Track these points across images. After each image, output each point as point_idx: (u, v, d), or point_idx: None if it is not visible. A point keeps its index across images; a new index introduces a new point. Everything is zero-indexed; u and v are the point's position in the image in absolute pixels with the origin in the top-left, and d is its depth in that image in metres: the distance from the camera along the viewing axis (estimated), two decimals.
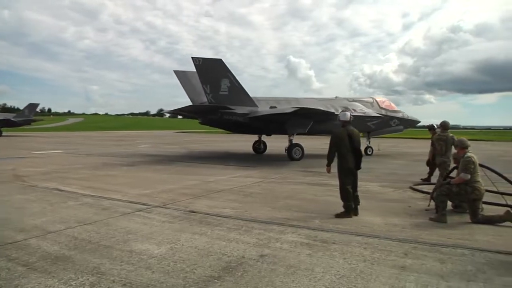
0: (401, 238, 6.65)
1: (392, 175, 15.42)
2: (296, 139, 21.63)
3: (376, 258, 5.66)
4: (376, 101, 26.62)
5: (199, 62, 20.49)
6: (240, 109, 20.93)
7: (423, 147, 30.66)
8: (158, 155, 23.38)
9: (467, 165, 8.01)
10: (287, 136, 21.86)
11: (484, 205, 8.41)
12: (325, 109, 21.83)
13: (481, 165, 10.71)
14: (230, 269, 5.11)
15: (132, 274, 4.88)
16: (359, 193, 8.58)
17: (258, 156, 23.99)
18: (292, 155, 21.06)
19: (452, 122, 12.58)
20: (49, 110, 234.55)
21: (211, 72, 20.77)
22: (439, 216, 7.92)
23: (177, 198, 9.87)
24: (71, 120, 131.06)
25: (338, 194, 8.49)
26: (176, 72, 24.94)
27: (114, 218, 7.74)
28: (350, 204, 8.22)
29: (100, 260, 5.37)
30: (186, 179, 13.31)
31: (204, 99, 22.39)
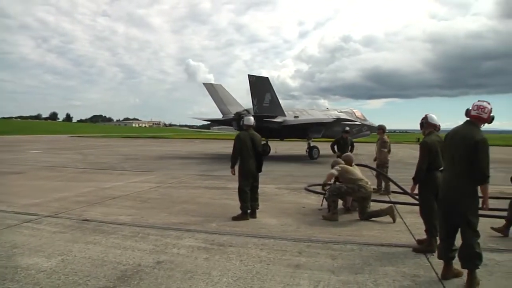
0: (295, 238, 6.92)
1: (288, 177, 15.97)
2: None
3: (272, 258, 5.84)
4: (353, 111, 32.67)
5: (253, 79, 24.11)
6: (277, 118, 25.14)
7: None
8: (51, 161, 21.93)
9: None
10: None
11: (372, 203, 9.08)
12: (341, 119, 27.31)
13: (367, 166, 11.54)
14: (126, 278, 4.98)
15: None
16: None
17: (156, 161, 23.53)
18: (313, 155, 25.73)
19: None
20: None
21: (259, 87, 24.34)
22: (330, 215, 8.36)
23: (70, 206, 9.37)
24: None
25: (235, 197, 8.66)
26: (205, 84, 30.02)
27: None
28: (247, 205, 8.41)
29: None
30: (81, 186, 12.67)
31: (231, 109, 28.16)
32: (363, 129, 31.98)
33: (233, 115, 26.92)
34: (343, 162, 9.39)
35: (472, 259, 4.80)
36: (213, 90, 29.81)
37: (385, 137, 12.51)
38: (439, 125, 6.55)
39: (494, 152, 30.86)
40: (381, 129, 12.84)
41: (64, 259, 5.66)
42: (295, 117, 27.16)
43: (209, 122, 36.89)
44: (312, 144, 26.52)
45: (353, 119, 30.22)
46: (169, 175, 15.89)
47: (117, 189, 12.12)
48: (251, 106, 24.74)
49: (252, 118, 8.92)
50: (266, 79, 24.97)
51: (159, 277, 5.02)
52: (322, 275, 5.16)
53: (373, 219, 8.34)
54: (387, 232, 7.44)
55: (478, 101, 4.99)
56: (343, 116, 30.55)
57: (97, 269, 5.29)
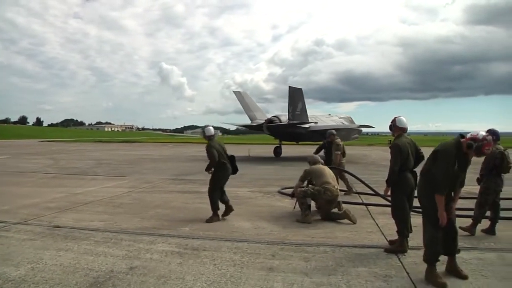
0: (269, 241, 6.95)
1: (262, 180, 16.01)
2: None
3: (245, 261, 5.85)
4: (349, 117, 38.15)
5: (292, 90, 26.92)
6: (305, 125, 27.99)
7: (292, 152, 32.39)
8: (20, 166, 21.38)
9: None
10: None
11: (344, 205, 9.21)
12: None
13: (340, 169, 11.67)
14: (98, 285, 4.92)
15: None
16: (230, 200, 8.98)
17: (129, 165, 23.22)
18: None
19: None
20: None
21: (295, 97, 27.13)
22: (303, 217, 8.49)
23: (40, 213, 9.16)
24: None
25: (208, 201, 8.66)
26: (234, 92, 33.91)
27: None
28: (218, 204, 8.65)
29: None
30: (52, 191, 12.41)
31: (256, 115, 32.61)
32: (356, 132, 36.60)
33: (263, 121, 30.14)
34: (320, 159, 9.73)
35: (425, 253, 5.21)
36: (241, 97, 33.51)
37: (337, 140, 12.82)
38: (407, 127, 6.69)
39: None
40: (331, 134, 13.24)
41: (34, 267, 5.53)
42: (314, 123, 29.90)
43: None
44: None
45: (349, 124, 35.16)
46: (142, 180, 15.75)
47: (89, 195, 11.93)
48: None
49: (212, 128, 9.10)
50: (300, 90, 27.73)
51: (132, 283, 4.98)
52: (296, 278, 5.21)
53: (344, 221, 8.44)
54: (360, 233, 7.55)
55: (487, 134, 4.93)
56: (343, 121, 35.66)
57: (68, 276, 5.21)
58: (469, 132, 5.03)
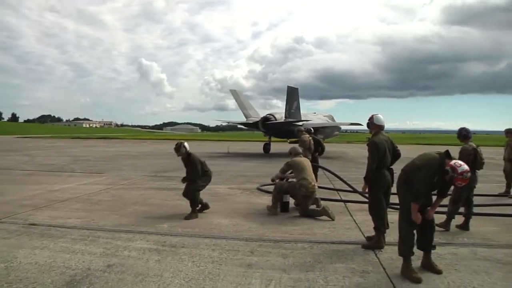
0: (247, 238, 6.98)
1: (241, 177, 16.03)
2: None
3: (224, 258, 5.87)
4: (331, 115, 40.88)
5: (290, 90, 28.61)
6: (298, 123, 28.46)
7: (272, 149, 32.43)
8: None
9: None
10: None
11: (323, 201, 9.31)
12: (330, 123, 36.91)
13: (319, 166, 11.75)
14: (75, 283, 4.86)
15: None
16: (209, 197, 9.24)
17: (107, 162, 22.96)
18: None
19: None
20: None
21: (292, 96, 28.87)
22: (271, 208, 8.90)
23: (15, 210, 8.99)
24: None
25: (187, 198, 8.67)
26: (231, 90, 35.96)
27: None
28: (198, 203, 8.78)
29: None
30: (27, 189, 12.18)
31: (250, 113, 34.36)
32: (337, 130, 39.57)
33: (258, 119, 31.04)
34: (300, 150, 9.86)
35: (399, 246, 5.38)
36: (237, 96, 35.48)
37: (303, 136, 12.85)
38: (384, 125, 6.74)
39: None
40: (299, 131, 13.30)
41: (8, 266, 5.43)
42: (306, 121, 30.83)
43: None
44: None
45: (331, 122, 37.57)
46: (120, 177, 15.59)
47: (66, 192, 11.76)
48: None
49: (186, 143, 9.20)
50: (296, 90, 29.55)
51: (109, 281, 4.95)
52: (274, 274, 5.24)
53: (322, 218, 8.50)
54: (338, 230, 7.63)
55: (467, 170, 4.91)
56: (326, 119, 37.86)
57: (44, 275, 5.13)
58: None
